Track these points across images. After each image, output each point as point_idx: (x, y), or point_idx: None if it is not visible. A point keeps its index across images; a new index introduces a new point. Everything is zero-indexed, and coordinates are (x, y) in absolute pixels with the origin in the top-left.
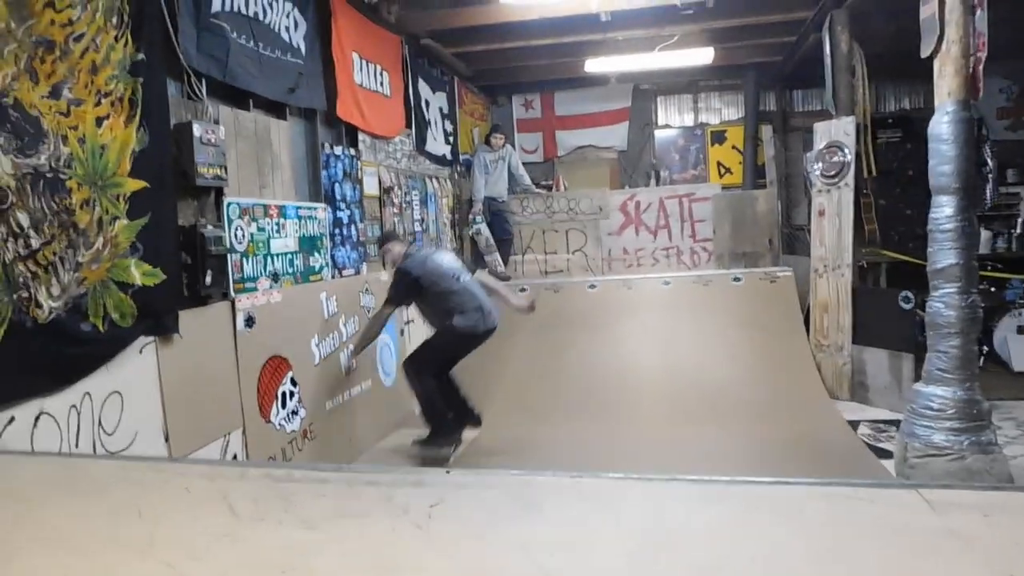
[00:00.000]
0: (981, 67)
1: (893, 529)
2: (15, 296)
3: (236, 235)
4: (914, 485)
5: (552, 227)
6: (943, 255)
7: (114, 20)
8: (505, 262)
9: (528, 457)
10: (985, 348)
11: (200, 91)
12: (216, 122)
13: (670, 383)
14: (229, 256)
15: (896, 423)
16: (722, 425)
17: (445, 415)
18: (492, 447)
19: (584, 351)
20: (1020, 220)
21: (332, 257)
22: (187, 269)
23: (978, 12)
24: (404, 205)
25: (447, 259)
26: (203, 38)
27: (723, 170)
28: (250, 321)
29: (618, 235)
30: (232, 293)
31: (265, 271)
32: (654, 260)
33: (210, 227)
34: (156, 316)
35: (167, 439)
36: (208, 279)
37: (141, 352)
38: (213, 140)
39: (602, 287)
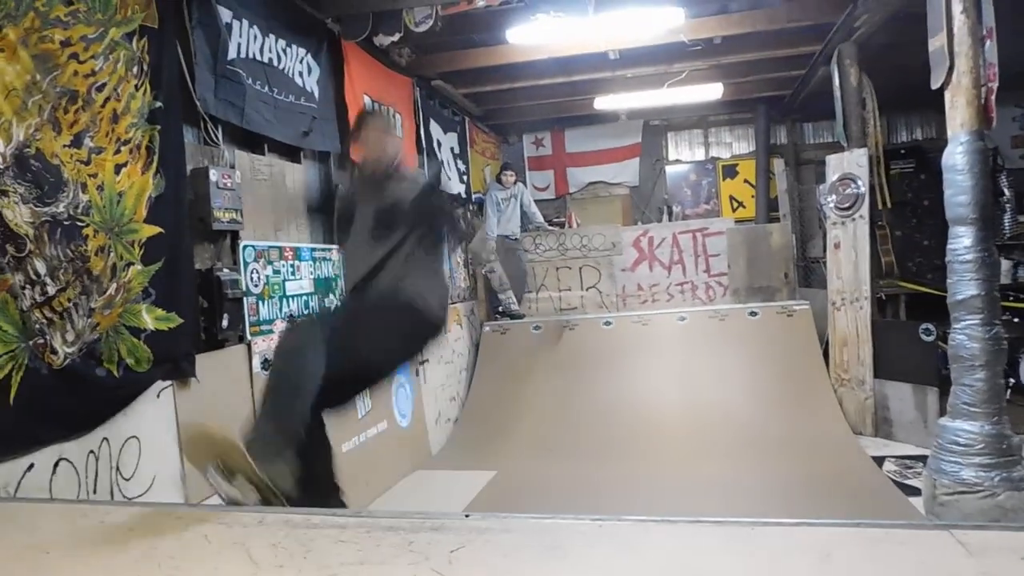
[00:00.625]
0: (993, 97)
1: (927, 573)
2: (31, 343)
3: (252, 278)
4: (947, 526)
5: (565, 264)
6: (963, 286)
7: (135, 69)
8: (519, 300)
9: (548, 498)
10: (1012, 380)
11: (217, 137)
12: (232, 167)
13: (688, 420)
14: (245, 299)
15: (923, 459)
16: (742, 462)
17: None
18: (511, 489)
19: (601, 388)
20: None
21: None
22: (204, 313)
23: (987, 43)
24: None
25: None
26: (220, 85)
27: (736, 204)
28: (267, 363)
29: (632, 271)
30: (248, 336)
31: (281, 313)
32: (669, 296)
33: (226, 270)
34: (173, 360)
35: (184, 483)
36: (225, 322)
37: (159, 396)
38: (229, 184)
39: (617, 323)
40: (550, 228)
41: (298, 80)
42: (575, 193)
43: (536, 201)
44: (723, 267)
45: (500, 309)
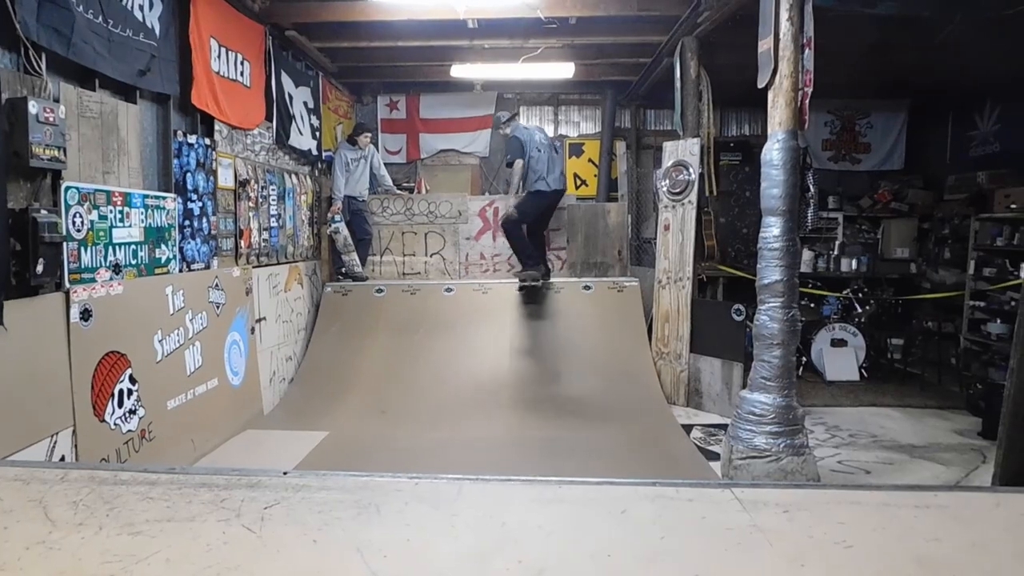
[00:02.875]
0: (808, 101)
1: (710, 526)
2: None
3: (74, 222)
4: (728, 484)
5: (412, 229)
6: (770, 272)
7: None
8: (363, 262)
9: (378, 459)
10: (804, 359)
11: (39, 66)
12: (56, 100)
13: (520, 385)
14: (65, 244)
15: (725, 427)
16: (566, 427)
17: (530, 251)
18: (342, 450)
19: (439, 354)
20: (837, 243)
21: (181, 250)
22: (16, 256)
23: (806, 51)
24: (260, 199)
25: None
26: (44, 9)
27: (579, 182)
28: (86, 314)
29: (476, 240)
30: (67, 284)
31: (106, 262)
32: (510, 266)
33: (44, 212)
34: None
35: None
36: (40, 268)
37: None
38: (51, 119)
39: (459, 290)
40: (398, 192)
41: (137, 14)
42: (426, 159)
43: (387, 164)
44: (563, 242)
45: (343, 270)
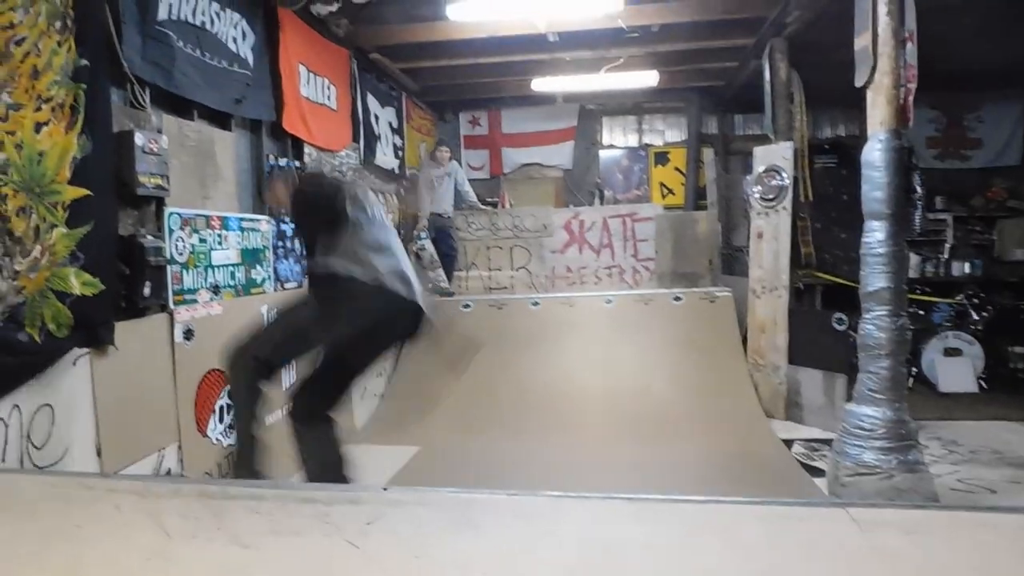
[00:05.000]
0: (911, 98)
1: (823, 548)
2: None
3: (176, 246)
4: (842, 504)
5: (497, 244)
6: (874, 278)
7: (57, 25)
8: (449, 278)
9: (467, 475)
10: (914, 369)
11: (144, 100)
12: (159, 131)
13: (611, 401)
14: (169, 267)
15: (829, 442)
16: (661, 443)
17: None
18: (434, 465)
19: (526, 368)
20: (947, 246)
21: (275, 270)
22: (125, 280)
23: (908, 45)
24: None
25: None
26: (148, 46)
27: (665, 191)
28: (189, 333)
29: (562, 253)
30: (171, 305)
31: (206, 283)
32: (597, 278)
33: (150, 237)
34: (92, 327)
35: (99, 454)
36: (146, 290)
37: (75, 364)
38: (155, 149)
39: (545, 305)
40: (483, 207)
41: (231, 45)
42: (509, 174)
43: (470, 180)
44: (651, 252)
45: (430, 286)
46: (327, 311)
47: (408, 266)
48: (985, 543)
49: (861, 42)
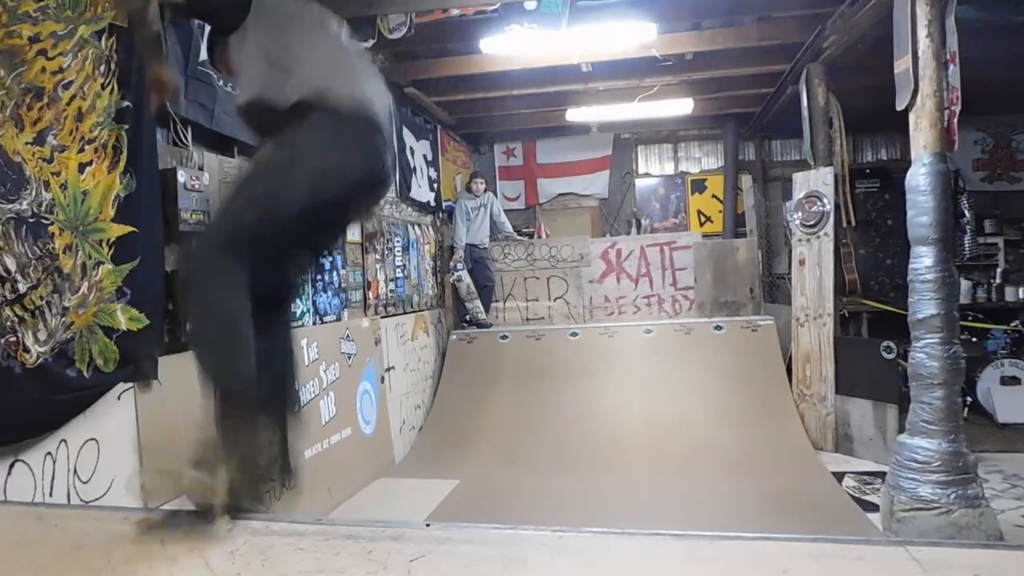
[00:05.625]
0: (955, 120)
1: None
2: (3, 340)
3: None
4: (902, 542)
5: (534, 274)
6: (924, 305)
7: (102, 68)
8: (487, 309)
9: (510, 509)
10: (969, 399)
11: (186, 138)
12: (201, 168)
13: (652, 433)
14: None
15: (882, 475)
16: (704, 476)
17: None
18: (474, 499)
19: (566, 399)
20: (999, 270)
21: (314, 303)
22: (169, 315)
23: (951, 67)
24: (386, 251)
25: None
26: (190, 86)
27: (703, 219)
28: None
29: (599, 283)
30: None
31: None
32: (635, 308)
33: None
34: (136, 362)
35: (143, 487)
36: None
37: (119, 398)
38: (197, 186)
39: (584, 335)
40: (519, 238)
41: None
42: (545, 204)
43: (506, 211)
44: (690, 281)
45: (467, 318)
46: None
47: None
48: None
49: (901, 65)
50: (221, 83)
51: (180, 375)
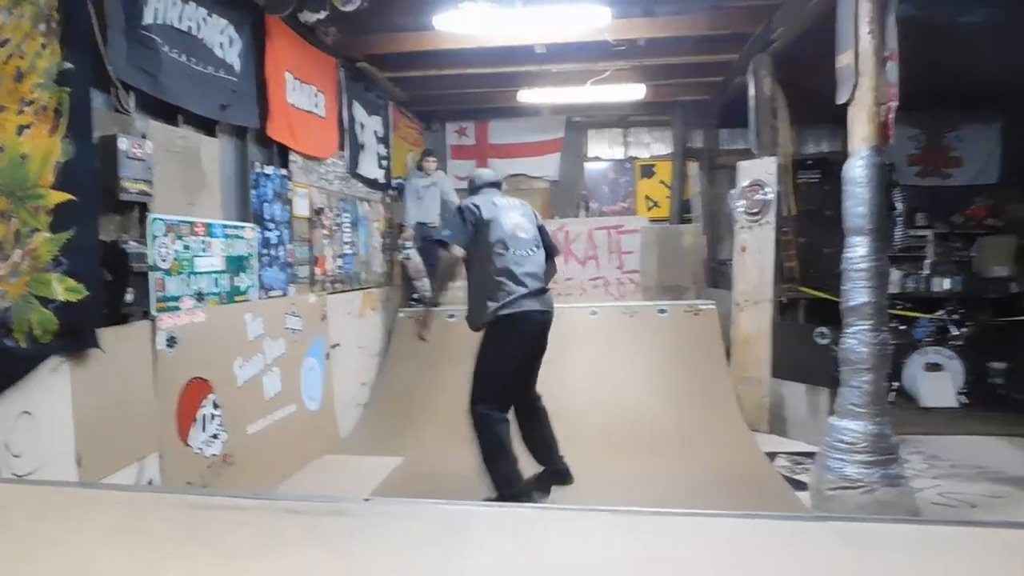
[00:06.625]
0: (892, 115)
1: (807, 563)
2: None
3: (160, 252)
4: (825, 518)
5: None
6: (856, 293)
7: (42, 27)
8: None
9: (454, 486)
10: (895, 384)
11: (128, 104)
12: (143, 137)
13: (595, 413)
14: (152, 274)
15: (813, 455)
16: (645, 456)
17: (509, 467)
18: (418, 475)
19: None
20: (928, 262)
21: (259, 278)
22: (107, 286)
23: (889, 64)
24: (335, 227)
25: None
26: (133, 50)
27: (651, 203)
28: (172, 341)
29: None
30: (154, 312)
31: (189, 290)
32: (582, 290)
33: (133, 243)
34: (75, 333)
35: (79, 462)
36: (129, 296)
37: (54, 371)
38: (139, 155)
39: None
40: None
41: (218, 51)
42: None
43: (457, 190)
44: (636, 265)
45: (415, 296)
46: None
47: None
48: (966, 557)
49: (844, 60)
50: (166, 49)
51: (118, 348)
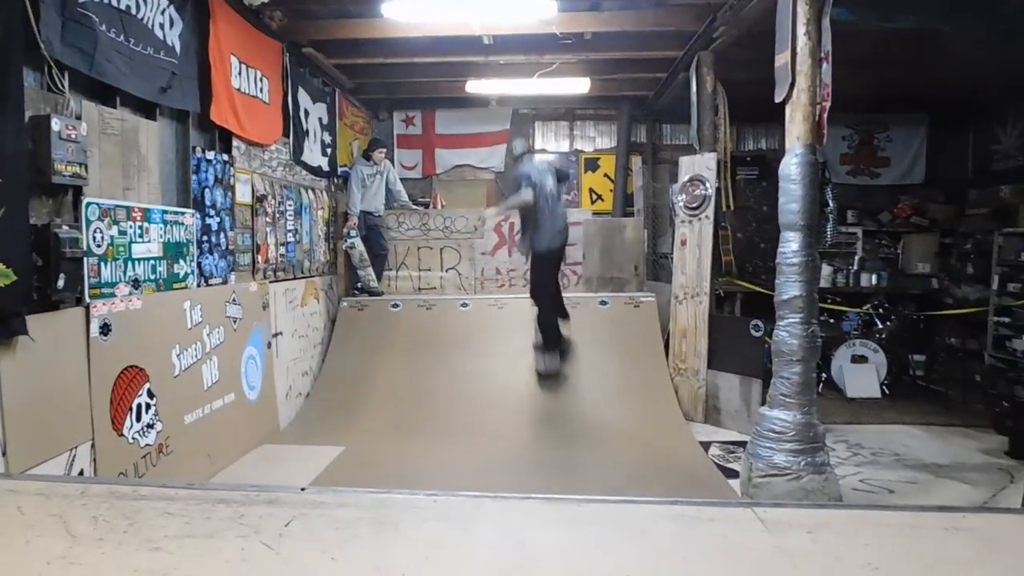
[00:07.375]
0: (826, 115)
1: (732, 547)
2: None
3: (94, 238)
4: (750, 504)
5: (427, 244)
6: (788, 287)
7: None
8: (379, 277)
9: (394, 475)
10: (824, 375)
11: (62, 84)
12: (78, 118)
13: (536, 403)
14: (86, 259)
15: (744, 444)
16: (584, 445)
17: (557, 332)
18: (358, 465)
19: (454, 369)
20: (856, 258)
21: (199, 265)
22: (38, 271)
23: (824, 65)
24: (278, 215)
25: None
26: (68, 28)
27: (594, 196)
28: (106, 328)
29: (491, 255)
30: (87, 298)
31: (125, 276)
32: (525, 281)
33: (66, 228)
34: (3, 320)
35: (4, 452)
36: (61, 282)
37: None
38: (74, 136)
39: (474, 306)
40: (414, 207)
41: (158, 32)
42: (442, 174)
43: (403, 180)
44: (578, 256)
45: (359, 285)
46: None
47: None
48: (880, 540)
49: (781, 60)
50: (103, 28)
51: (48, 335)
